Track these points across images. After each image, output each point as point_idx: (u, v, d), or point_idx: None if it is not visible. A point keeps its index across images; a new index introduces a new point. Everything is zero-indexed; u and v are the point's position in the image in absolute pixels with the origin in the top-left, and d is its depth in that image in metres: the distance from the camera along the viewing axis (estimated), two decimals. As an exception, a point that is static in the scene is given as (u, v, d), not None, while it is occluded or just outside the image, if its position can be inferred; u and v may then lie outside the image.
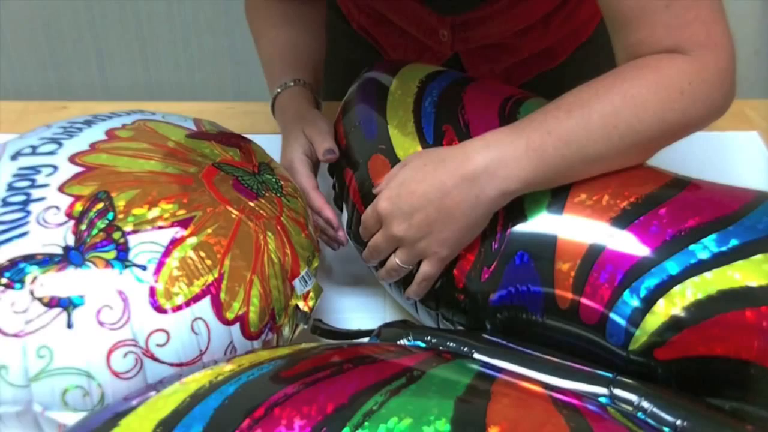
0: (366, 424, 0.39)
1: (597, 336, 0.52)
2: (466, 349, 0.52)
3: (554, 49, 0.84)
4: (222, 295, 0.52)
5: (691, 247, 0.50)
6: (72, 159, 0.56)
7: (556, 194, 0.55)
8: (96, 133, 0.60)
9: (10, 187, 0.54)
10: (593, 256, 0.52)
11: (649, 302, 0.50)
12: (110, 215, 0.52)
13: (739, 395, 0.49)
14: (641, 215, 0.52)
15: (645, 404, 0.45)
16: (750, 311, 0.47)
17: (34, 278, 0.49)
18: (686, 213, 0.52)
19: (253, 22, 0.81)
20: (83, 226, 0.52)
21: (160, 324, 0.50)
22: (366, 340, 0.59)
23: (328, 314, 0.69)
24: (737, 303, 0.48)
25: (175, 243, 0.52)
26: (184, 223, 0.53)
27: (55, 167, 0.56)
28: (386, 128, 0.64)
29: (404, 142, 0.62)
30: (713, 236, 0.50)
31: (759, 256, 0.49)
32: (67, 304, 0.49)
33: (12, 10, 1.63)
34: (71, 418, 0.49)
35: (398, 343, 0.55)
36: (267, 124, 0.76)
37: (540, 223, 0.55)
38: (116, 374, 0.49)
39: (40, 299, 0.49)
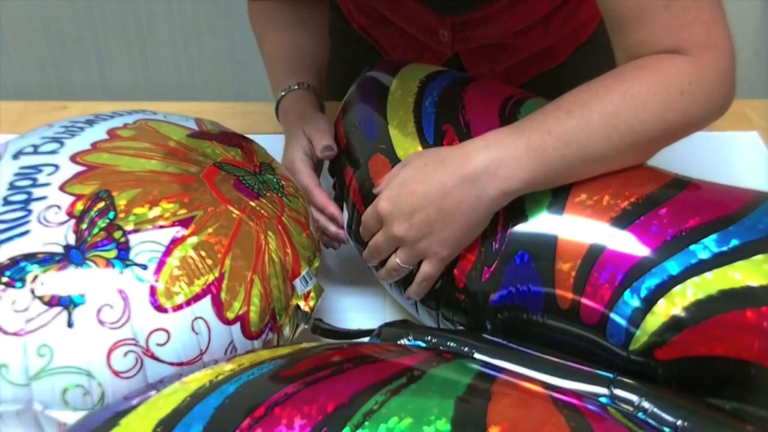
0: (366, 423, 0.39)
1: (597, 336, 0.52)
2: (466, 349, 0.52)
3: (554, 49, 0.84)
4: (222, 295, 0.52)
5: (692, 247, 0.50)
6: (73, 158, 0.56)
7: (556, 194, 0.55)
8: (97, 132, 0.60)
9: (12, 186, 0.54)
10: (594, 256, 0.52)
11: (649, 302, 0.50)
12: (111, 214, 0.52)
13: (739, 395, 0.48)
14: (642, 215, 0.52)
15: (645, 404, 0.45)
16: (750, 311, 0.47)
17: (35, 277, 0.49)
18: (687, 213, 0.52)
19: (256, 25, 0.81)
20: (84, 225, 0.52)
21: (160, 323, 0.50)
22: (366, 339, 0.59)
23: (329, 314, 0.69)
24: (738, 303, 0.48)
25: (175, 242, 0.52)
26: (185, 223, 0.53)
27: (56, 166, 0.56)
28: (386, 128, 0.64)
29: (404, 142, 0.62)
30: (714, 236, 0.50)
31: (759, 257, 0.49)
32: (67, 303, 0.49)
33: (12, 10, 1.63)
34: (71, 417, 0.49)
35: (399, 342, 0.55)
36: (267, 124, 0.77)
37: (540, 223, 0.55)
38: (116, 373, 0.49)
39: (40, 298, 0.49)
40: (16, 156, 0.57)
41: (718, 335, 0.48)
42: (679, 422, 0.44)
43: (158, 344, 0.50)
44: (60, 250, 0.50)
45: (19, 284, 0.49)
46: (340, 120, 0.70)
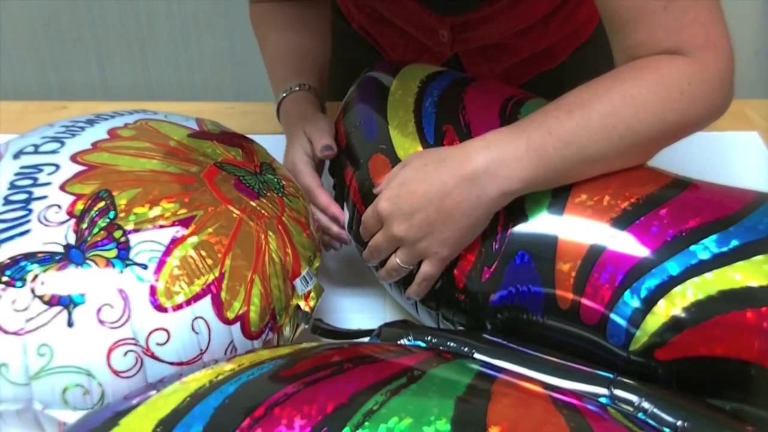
0: (366, 423, 0.39)
1: (597, 336, 0.52)
2: (466, 349, 0.51)
3: (554, 50, 0.84)
4: (223, 295, 0.52)
5: (692, 247, 0.50)
6: (74, 158, 0.57)
7: (556, 194, 0.55)
8: (98, 132, 0.60)
9: (12, 186, 0.54)
10: (594, 256, 0.52)
11: (649, 303, 0.49)
12: (111, 214, 0.52)
13: (739, 396, 0.48)
14: (642, 216, 0.52)
15: (645, 405, 0.45)
16: (751, 312, 0.47)
17: (35, 276, 0.49)
18: (687, 214, 0.52)
19: (257, 26, 0.81)
20: (84, 225, 0.52)
21: (160, 323, 0.50)
22: (366, 339, 0.59)
23: (329, 314, 0.69)
24: (738, 304, 0.48)
25: (176, 242, 0.52)
26: (185, 223, 0.53)
27: (57, 166, 0.56)
28: (387, 128, 0.64)
29: (405, 142, 0.62)
30: (714, 237, 0.50)
31: (760, 257, 0.49)
32: (67, 303, 0.49)
33: (12, 10, 1.63)
34: (71, 417, 0.49)
35: (399, 342, 0.55)
36: (266, 124, 0.77)
37: (541, 223, 0.55)
38: (116, 373, 0.49)
39: (40, 297, 0.49)
40: (16, 155, 0.57)
41: (718, 336, 0.48)
42: (679, 423, 0.44)
43: (158, 344, 0.50)
44: (60, 249, 0.50)
45: (19, 283, 0.49)
46: (340, 120, 0.70)
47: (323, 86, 0.76)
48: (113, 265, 0.50)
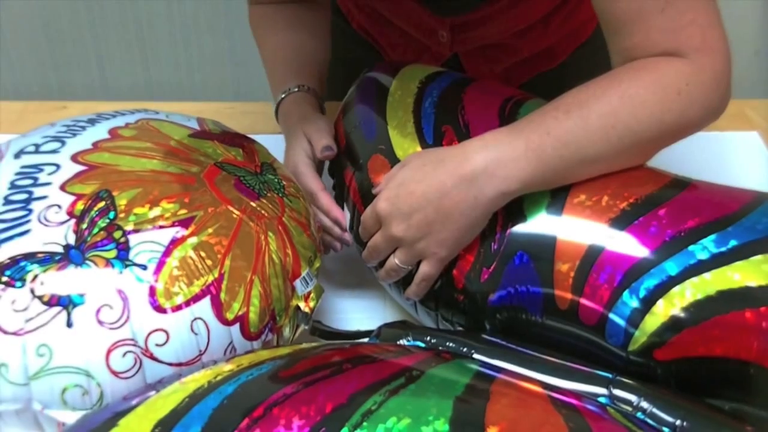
0: (365, 424, 0.39)
1: (596, 336, 0.52)
2: (465, 349, 0.51)
3: (554, 50, 0.84)
4: (222, 296, 0.52)
5: (691, 247, 0.50)
6: (74, 158, 0.56)
7: (555, 195, 0.55)
8: (99, 131, 0.60)
9: (13, 185, 0.54)
10: (592, 256, 0.52)
11: (648, 303, 0.50)
12: (111, 214, 0.52)
13: (738, 396, 0.49)
14: (640, 216, 0.52)
15: (644, 404, 0.45)
16: (749, 312, 0.47)
17: (35, 276, 0.49)
18: (686, 214, 0.52)
19: (256, 28, 0.81)
20: (84, 225, 0.52)
21: (159, 324, 0.50)
22: (366, 340, 0.59)
23: (329, 314, 0.69)
24: (737, 304, 0.48)
25: (175, 243, 0.52)
26: (185, 223, 0.53)
27: (57, 166, 0.56)
28: (386, 129, 0.64)
29: (404, 143, 0.63)
30: (712, 237, 0.50)
31: (758, 257, 0.49)
32: (66, 303, 0.49)
33: (12, 10, 1.63)
34: (70, 417, 0.49)
35: (398, 343, 0.55)
36: (266, 124, 0.77)
37: (539, 223, 0.55)
38: (115, 373, 0.49)
39: (40, 298, 0.49)
40: (17, 155, 0.57)
41: (717, 336, 0.48)
42: (678, 422, 0.44)
43: (157, 345, 0.50)
44: (60, 249, 0.50)
45: (18, 284, 0.49)
46: (340, 121, 0.70)
47: (322, 87, 0.76)
48: (113, 266, 0.50)
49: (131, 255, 0.51)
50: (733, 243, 0.49)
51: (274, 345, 0.57)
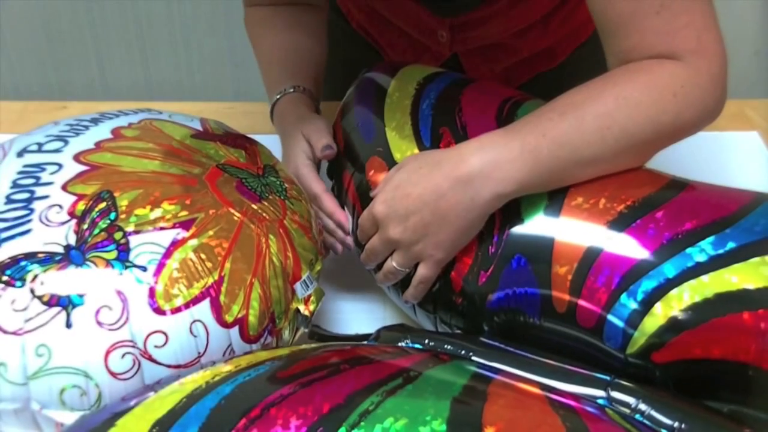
0: (362, 424, 0.39)
1: (594, 339, 0.52)
2: (463, 352, 0.51)
3: (553, 50, 0.84)
4: (222, 298, 0.52)
5: (688, 250, 0.50)
6: (77, 157, 0.56)
7: (553, 198, 0.55)
8: (102, 131, 0.60)
9: (15, 185, 0.54)
10: (590, 259, 0.52)
11: (646, 305, 0.50)
12: (112, 215, 0.53)
13: (737, 398, 0.49)
14: (638, 218, 0.52)
15: (642, 407, 0.45)
16: (747, 314, 0.47)
17: (35, 276, 0.49)
18: (683, 216, 0.52)
19: (252, 30, 0.81)
20: (85, 226, 0.52)
21: (158, 325, 0.50)
22: (364, 343, 0.59)
23: (329, 317, 0.69)
24: (734, 306, 0.48)
25: (176, 244, 0.52)
26: (185, 225, 0.53)
27: (59, 165, 0.56)
28: (384, 131, 0.64)
29: (401, 145, 0.63)
30: (710, 239, 0.50)
31: (756, 259, 0.49)
32: (66, 304, 0.49)
33: (12, 10, 1.63)
34: (68, 417, 0.49)
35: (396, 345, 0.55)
36: (266, 124, 0.77)
37: (537, 226, 0.55)
38: (114, 375, 0.49)
39: (40, 298, 0.49)
40: (20, 154, 0.57)
41: (715, 338, 0.48)
42: (677, 424, 0.44)
43: (156, 346, 0.50)
44: (60, 250, 0.50)
45: (19, 283, 0.49)
46: (338, 121, 0.70)
47: (318, 89, 0.76)
48: (113, 267, 0.50)
49: (131, 256, 0.51)
50: (730, 245, 0.49)
51: (273, 348, 0.57)
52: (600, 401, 0.47)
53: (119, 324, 0.49)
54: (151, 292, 0.50)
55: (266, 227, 0.57)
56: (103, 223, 0.52)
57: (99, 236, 0.51)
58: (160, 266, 0.51)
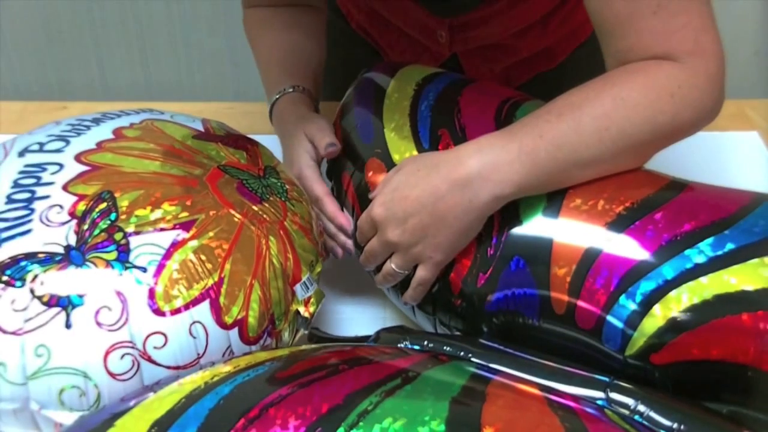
0: (361, 424, 0.39)
1: (593, 341, 0.52)
2: (462, 353, 0.51)
3: (553, 50, 0.84)
4: (221, 299, 0.52)
5: (687, 251, 0.50)
6: (78, 157, 0.56)
7: (551, 199, 0.55)
8: (104, 131, 0.60)
9: (16, 184, 0.54)
10: (589, 260, 0.52)
11: (645, 307, 0.50)
12: (113, 216, 0.53)
13: (736, 399, 0.49)
14: (637, 220, 0.52)
15: (641, 408, 0.45)
16: (746, 315, 0.47)
17: (35, 276, 0.49)
18: (682, 217, 0.52)
19: (251, 30, 0.81)
20: (85, 226, 0.52)
21: (158, 326, 0.50)
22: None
23: (329, 319, 0.69)
24: (733, 307, 0.48)
25: (176, 246, 0.52)
26: (186, 226, 0.53)
27: (60, 165, 0.56)
28: (382, 131, 0.64)
29: (400, 146, 0.63)
30: (709, 240, 0.50)
31: (755, 260, 0.49)
32: (66, 304, 0.49)
33: (12, 10, 1.63)
34: (67, 418, 0.49)
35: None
36: (266, 124, 0.76)
37: (536, 227, 0.55)
38: (113, 375, 0.49)
39: (39, 298, 0.49)
40: (21, 153, 0.57)
41: (714, 339, 0.48)
42: (676, 426, 0.44)
43: (155, 347, 0.50)
44: (61, 250, 0.50)
45: (18, 283, 0.49)
46: (338, 122, 0.70)
47: (318, 89, 0.76)
48: (113, 267, 0.50)
49: (131, 257, 0.51)
50: (729, 246, 0.49)
51: (272, 349, 0.57)
52: (599, 402, 0.47)
53: (119, 325, 0.49)
54: (151, 293, 0.50)
55: (267, 229, 0.57)
56: (103, 224, 0.52)
57: (99, 237, 0.51)
58: (160, 267, 0.51)
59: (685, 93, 0.54)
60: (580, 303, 0.52)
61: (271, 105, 0.74)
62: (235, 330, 0.53)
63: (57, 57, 1.70)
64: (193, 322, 0.51)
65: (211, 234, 0.54)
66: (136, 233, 0.52)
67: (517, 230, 0.55)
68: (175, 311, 0.51)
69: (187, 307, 0.51)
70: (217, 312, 0.52)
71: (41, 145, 0.58)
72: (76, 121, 0.61)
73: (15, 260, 0.50)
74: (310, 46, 0.78)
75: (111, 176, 0.55)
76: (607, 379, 0.48)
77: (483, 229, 0.56)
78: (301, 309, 0.58)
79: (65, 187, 0.54)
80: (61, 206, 0.52)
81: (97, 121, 0.61)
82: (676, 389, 0.50)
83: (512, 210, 0.56)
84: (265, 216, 0.58)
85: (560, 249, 0.53)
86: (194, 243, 0.53)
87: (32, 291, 0.49)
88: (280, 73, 0.75)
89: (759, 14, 1.65)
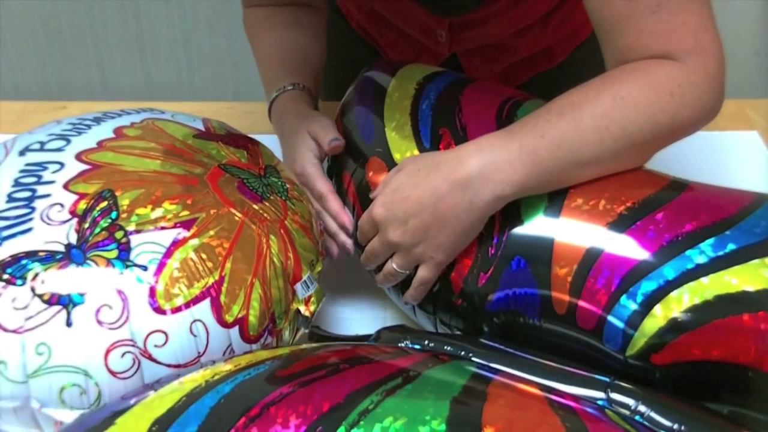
0: (361, 423, 0.39)
1: (594, 340, 0.52)
2: (463, 353, 0.51)
3: (553, 50, 0.84)
4: (222, 298, 0.52)
5: (688, 251, 0.50)
6: (79, 156, 0.57)
7: (552, 199, 0.55)
8: (104, 130, 0.60)
9: (17, 183, 0.54)
10: (590, 260, 0.52)
11: (646, 307, 0.50)
12: (113, 214, 0.53)
13: (737, 399, 0.49)
14: (638, 220, 0.52)
15: (642, 408, 0.45)
16: (747, 316, 0.47)
17: (36, 275, 0.49)
18: (683, 217, 0.52)
19: (251, 30, 0.81)
20: (86, 225, 0.52)
21: (158, 325, 0.50)
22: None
23: (329, 318, 0.69)
24: (734, 308, 0.48)
25: (176, 244, 0.52)
26: (186, 225, 0.53)
27: (61, 164, 0.56)
28: (383, 131, 0.64)
29: (401, 146, 0.63)
30: (710, 240, 0.50)
31: (756, 261, 0.49)
32: (66, 302, 0.49)
33: (12, 10, 1.63)
34: (68, 416, 0.49)
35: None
36: (266, 124, 0.76)
37: (537, 228, 0.55)
38: (113, 374, 0.49)
39: (40, 296, 0.49)
40: (22, 152, 0.58)
41: (715, 339, 0.48)
42: (676, 426, 0.44)
43: (156, 346, 0.50)
44: (61, 248, 0.50)
45: (19, 281, 0.49)
46: (338, 121, 0.70)
47: (317, 87, 0.76)
48: (113, 266, 0.50)
49: (132, 255, 0.51)
50: (731, 247, 0.49)
51: (273, 348, 0.57)
52: (600, 402, 0.47)
53: (119, 323, 0.49)
54: (152, 292, 0.50)
55: (267, 227, 0.57)
56: (104, 222, 0.52)
57: (100, 235, 0.51)
58: (161, 266, 0.51)
59: (685, 92, 0.54)
60: (581, 303, 0.52)
61: (271, 102, 0.74)
62: (236, 328, 0.53)
63: (57, 57, 1.70)
64: (194, 321, 0.51)
65: (211, 233, 0.54)
66: (137, 232, 0.52)
67: (519, 230, 0.55)
68: (176, 310, 0.51)
69: (187, 305, 0.51)
70: (218, 310, 0.52)
71: (42, 144, 0.58)
72: (77, 120, 0.61)
73: (16, 258, 0.50)
74: (310, 44, 0.78)
75: (112, 175, 0.55)
76: (607, 380, 0.48)
77: (484, 229, 0.56)
78: (302, 308, 0.58)
79: (66, 186, 0.54)
80: (61, 205, 0.53)
81: (98, 120, 0.62)
82: (677, 389, 0.50)
83: (513, 210, 0.56)
84: (265, 215, 0.58)
85: (561, 249, 0.53)
86: (195, 242, 0.53)
87: (33, 289, 0.49)
88: (280, 71, 0.75)
89: (759, 14, 1.65)
